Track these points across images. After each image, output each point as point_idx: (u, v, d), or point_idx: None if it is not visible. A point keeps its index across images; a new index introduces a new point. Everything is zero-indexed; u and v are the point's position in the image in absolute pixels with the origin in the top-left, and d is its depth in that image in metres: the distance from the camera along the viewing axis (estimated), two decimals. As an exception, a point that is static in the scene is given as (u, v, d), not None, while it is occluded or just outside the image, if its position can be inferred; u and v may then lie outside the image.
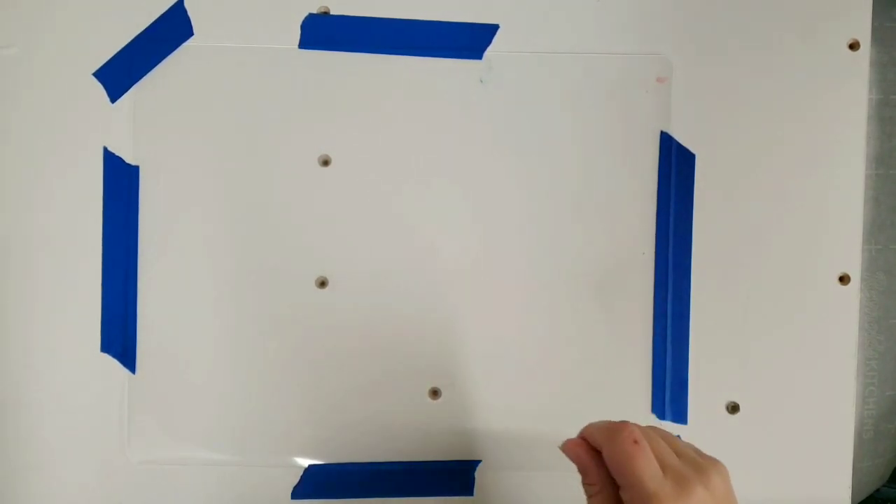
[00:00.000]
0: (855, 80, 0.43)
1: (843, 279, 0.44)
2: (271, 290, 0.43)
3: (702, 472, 0.31)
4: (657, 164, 0.43)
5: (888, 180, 0.46)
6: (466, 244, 0.43)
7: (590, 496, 0.32)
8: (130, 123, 0.43)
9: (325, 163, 0.43)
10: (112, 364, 0.43)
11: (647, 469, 0.30)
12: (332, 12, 0.43)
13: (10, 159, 0.43)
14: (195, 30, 0.43)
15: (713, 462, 0.33)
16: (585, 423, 0.42)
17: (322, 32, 0.43)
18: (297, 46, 0.43)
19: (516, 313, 0.44)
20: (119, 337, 0.43)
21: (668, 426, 0.44)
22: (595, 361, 0.44)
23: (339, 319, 0.43)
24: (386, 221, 0.43)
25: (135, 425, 0.43)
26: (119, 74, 0.43)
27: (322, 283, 0.43)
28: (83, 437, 0.43)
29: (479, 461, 0.44)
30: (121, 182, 0.43)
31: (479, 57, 0.43)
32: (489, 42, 0.43)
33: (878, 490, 0.48)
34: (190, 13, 0.43)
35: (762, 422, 0.44)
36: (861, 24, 0.43)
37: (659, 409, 0.44)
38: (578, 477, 0.32)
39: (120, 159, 0.43)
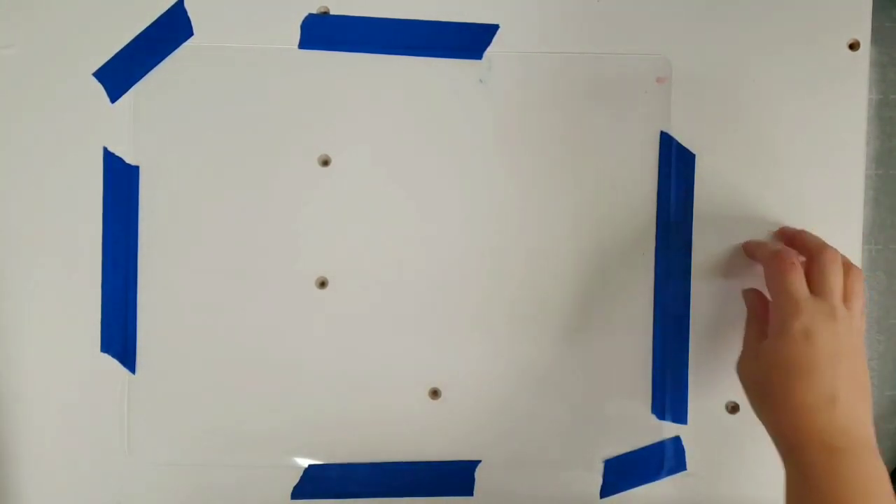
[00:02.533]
0: (855, 80, 0.43)
1: (843, 279, 0.44)
2: (271, 290, 0.43)
3: (853, 313, 0.37)
4: (657, 164, 0.43)
5: (888, 180, 0.46)
6: (466, 244, 0.43)
7: (747, 323, 0.41)
8: (130, 123, 0.43)
9: (325, 163, 0.43)
10: (112, 364, 0.43)
11: (795, 284, 0.37)
12: (332, 12, 0.43)
13: (10, 159, 0.43)
14: (195, 30, 0.43)
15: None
16: (585, 425, 0.44)
17: (322, 32, 0.43)
18: (297, 46, 0.43)
19: (516, 313, 0.44)
20: (119, 337, 0.43)
21: (669, 426, 0.44)
22: (595, 361, 0.44)
23: (339, 319, 0.43)
24: (386, 221, 0.43)
25: (135, 425, 0.43)
26: (119, 74, 0.43)
27: (322, 283, 0.43)
28: (83, 437, 0.43)
29: (479, 461, 0.44)
30: (121, 182, 0.43)
31: (479, 57, 0.43)
32: (489, 42, 0.43)
33: (878, 490, 0.48)
34: (190, 13, 0.43)
35: (762, 422, 0.44)
36: (861, 24, 0.43)
37: (659, 409, 0.44)
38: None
39: (120, 159, 0.43)
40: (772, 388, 0.37)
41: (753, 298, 0.41)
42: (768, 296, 0.39)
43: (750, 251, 0.43)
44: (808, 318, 0.36)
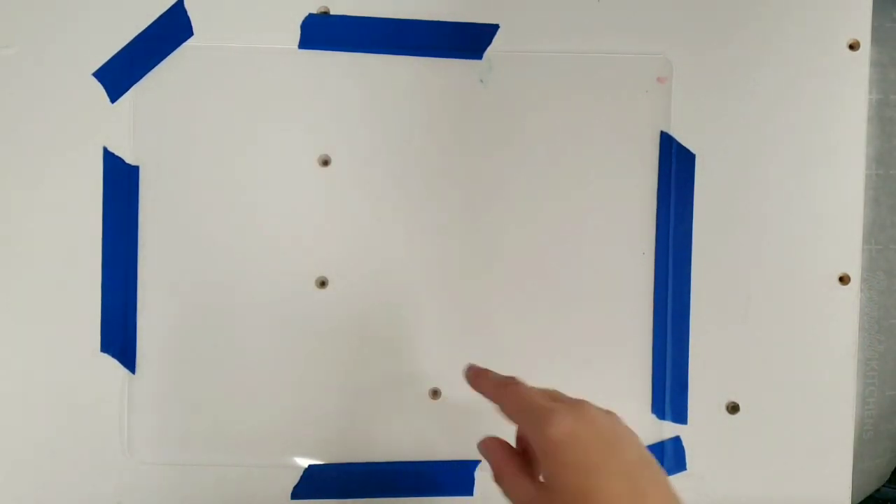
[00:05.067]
0: (855, 80, 0.43)
1: (843, 279, 0.44)
2: (271, 290, 0.43)
3: (582, 402, 0.32)
4: (657, 164, 0.43)
5: (888, 180, 0.46)
6: (466, 244, 0.43)
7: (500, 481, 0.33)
8: (130, 123, 0.43)
9: (325, 163, 0.43)
10: (112, 364, 0.43)
11: (536, 395, 0.33)
12: (332, 12, 0.43)
13: (10, 160, 0.43)
14: (195, 30, 0.43)
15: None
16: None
17: (322, 32, 0.43)
18: (297, 46, 0.43)
19: (516, 313, 0.44)
20: (119, 337, 0.43)
21: (669, 426, 0.44)
22: (595, 361, 0.44)
23: (339, 319, 0.43)
24: (386, 221, 0.43)
25: (135, 425, 0.43)
26: (119, 74, 0.43)
27: (322, 283, 0.43)
28: (83, 437, 0.43)
29: (479, 461, 0.44)
30: (121, 182, 0.43)
31: (479, 57, 0.43)
32: (489, 42, 0.43)
33: (878, 490, 0.48)
34: (190, 13, 0.43)
35: (762, 422, 0.44)
36: (861, 24, 0.43)
37: (659, 409, 0.44)
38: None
39: (120, 159, 0.43)
40: None
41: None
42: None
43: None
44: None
